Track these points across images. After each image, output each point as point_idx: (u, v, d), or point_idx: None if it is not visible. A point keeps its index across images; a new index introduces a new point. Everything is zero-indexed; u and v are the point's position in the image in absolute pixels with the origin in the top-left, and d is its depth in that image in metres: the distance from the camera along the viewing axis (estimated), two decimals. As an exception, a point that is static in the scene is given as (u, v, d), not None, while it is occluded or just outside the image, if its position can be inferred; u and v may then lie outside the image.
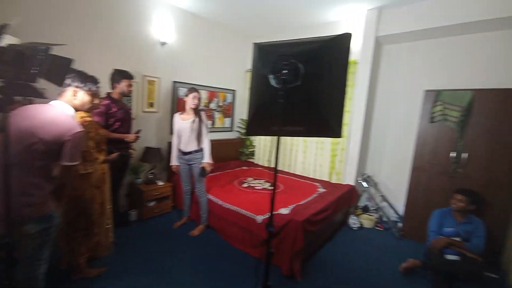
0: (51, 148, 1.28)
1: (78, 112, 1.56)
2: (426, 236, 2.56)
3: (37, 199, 1.29)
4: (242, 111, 4.84)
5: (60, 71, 1.24)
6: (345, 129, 3.54)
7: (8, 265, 1.19)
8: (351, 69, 3.48)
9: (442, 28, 2.85)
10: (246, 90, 4.81)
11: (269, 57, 1.07)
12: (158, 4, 3.25)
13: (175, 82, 3.61)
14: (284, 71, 0.98)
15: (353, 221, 3.21)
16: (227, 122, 4.59)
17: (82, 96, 1.47)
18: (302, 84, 1.02)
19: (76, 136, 1.32)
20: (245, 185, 3.22)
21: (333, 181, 3.64)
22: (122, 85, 2.54)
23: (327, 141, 3.74)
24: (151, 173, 3.20)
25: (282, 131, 1.11)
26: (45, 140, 1.26)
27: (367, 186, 3.51)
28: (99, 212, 1.91)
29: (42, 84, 1.22)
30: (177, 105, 3.68)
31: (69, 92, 1.43)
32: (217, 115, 4.39)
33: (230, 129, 4.69)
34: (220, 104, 4.40)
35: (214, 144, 3.85)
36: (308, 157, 3.97)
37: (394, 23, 3.09)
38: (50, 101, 1.38)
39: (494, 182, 2.52)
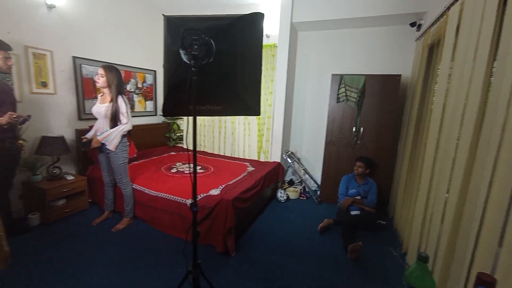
0: None
1: None
2: (337, 198, 3.06)
3: None
4: (166, 93, 4.50)
5: None
6: (270, 110, 3.75)
7: None
8: (272, 52, 3.64)
9: (342, 21, 3.26)
10: (170, 70, 4.47)
11: (179, 31, 1.00)
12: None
13: (75, 57, 3.02)
14: (195, 47, 0.94)
15: (281, 195, 3.52)
16: (149, 105, 4.20)
17: None
18: (214, 61, 1.01)
19: None
20: (173, 170, 3.08)
21: (261, 159, 3.87)
22: None
23: (254, 121, 3.90)
24: (54, 167, 2.68)
25: (199, 110, 1.09)
26: None
27: (291, 161, 3.88)
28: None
29: None
30: (83, 86, 3.12)
31: None
32: (137, 98, 3.96)
33: (154, 113, 4.32)
34: (139, 86, 3.97)
35: (136, 130, 3.50)
36: (237, 139, 4.07)
37: (305, 11, 3.35)
38: None
39: (381, 149, 3.17)
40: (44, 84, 2.75)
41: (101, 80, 2.29)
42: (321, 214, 3.10)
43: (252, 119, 3.97)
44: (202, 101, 1.07)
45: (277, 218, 3.00)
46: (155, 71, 4.22)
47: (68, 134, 2.99)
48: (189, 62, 0.96)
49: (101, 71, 2.28)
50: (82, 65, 3.09)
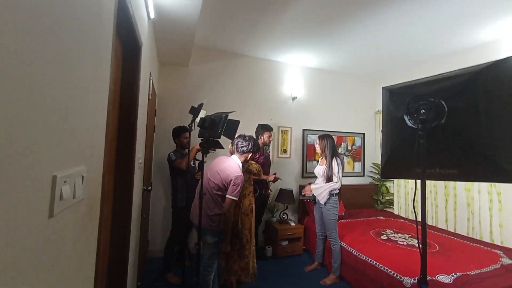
0: (224, 184, 1.84)
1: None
2: None
3: (213, 216, 1.84)
4: (373, 154, 4.49)
5: (232, 129, 1.78)
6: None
7: (197, 266, 1.70)
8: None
9: None
10: (377, 132, 4.50)
11: (402, 99, 1.06)
12: (290, 67, 3.95)
13: (304, 129, 3.99)
14: (423, 111, 0.94)
15: None
16: (357, 166, 4.37)
17: (250, 157, 2.13)
18: (447, 122, 0.93)
19: (235, 179, 1.88)
20: (383, 237, 2.82)
21: (531, 251, 2.48)
22: (265, 137, 3.12)
23: (510, 191, 2.71)
24: (284, 213, 3.49)
25: (429, 174, 1.00)
26: (221, 179, 1.85)
27: None
28: (248, 237, 2.29)
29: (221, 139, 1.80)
30: (307, 150, 3.98)
31: (245, 154, 2.08)
32: (346, 160, 4.30)
33: (362, 174, 4.40)
34: (349, 148, 4.33)
35: (344, 189, 3.72)
36: (476, 213, 2.98)
37: None
38: (232, 156, 2.12)
39: None
40: (285, 151, 3.86)
41: (317, 147, 2.85)
42: None
43: (507, 187, 2.78)
44: (431, 164, 0.99)
45: None
46: (363, 134, 4.45)
47: (294, 188, 3.83)
48: (415, 127, 0.97)
49: (317, 140, 2.86)
50: (308, 134, 4.01)
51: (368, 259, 2.35)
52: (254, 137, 3.07)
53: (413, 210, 3.69)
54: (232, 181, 1.87)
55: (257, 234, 3.30)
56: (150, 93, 2.33)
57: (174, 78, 3.36)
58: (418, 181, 0.96)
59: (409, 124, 1.00)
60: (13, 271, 0.38)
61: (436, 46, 3.20)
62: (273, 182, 3.02)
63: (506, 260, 2.21)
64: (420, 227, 0.92)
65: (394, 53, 3.45)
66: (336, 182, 2.66)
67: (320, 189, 2.72)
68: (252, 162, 2.40)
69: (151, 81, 2.31)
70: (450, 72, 1.05)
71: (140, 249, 2.18)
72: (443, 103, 0.93)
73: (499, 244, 2.67)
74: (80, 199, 0.60)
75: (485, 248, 2.54)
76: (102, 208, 0.85)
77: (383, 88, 1.32)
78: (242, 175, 1.93)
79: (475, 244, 2.65)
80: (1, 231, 0.35)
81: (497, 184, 2.75)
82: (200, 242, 1.76)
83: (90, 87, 0.69)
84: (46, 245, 0.47)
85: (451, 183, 3.22)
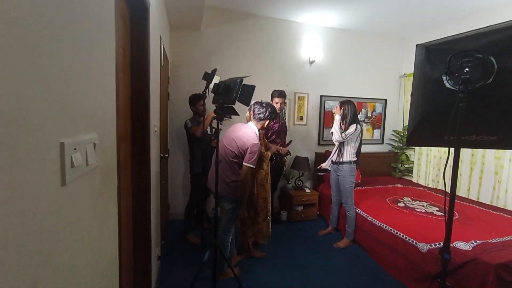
0: (240, 152, 1.89)
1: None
2: None
3: (231, 183, 1.87)
4: (394, 122, 4.27)
5: (247, 95, 1.70)
6: None
7: (215, 229, 1.78)
8: None
9: None
10: (401, 98, 4.21)
11: (441, 57, 0.93)
12: (308, 28, 3.63)
13: (322, 96, 3.80)
14: (466, 70, 0.82)
15: None
16: (376, 134, 4.20)
17: (266, 124, 2.08)
18: (494, 82, 0.81)
19: (252, 146, 1.87)
20: (400, 204, 2.79)
21: (560, 221, 2.37)
22: (273, 103, 2.99)
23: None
24: (299, 180, 3.51)
25: (464, 141, 0.91)
26: (237, 146, 1.89)
27: None
28: (263, 206, 2.35)
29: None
30: (324, 117, 3.84)
31: (262, 121, 2.04)
32: (365, 127, 4.13)
33: (381, 142, 4.25)
34: (369, 115, 4.12)
35: (362, 157, 3.63)
36: (504, 182, 2.83)
37: None
38: (249, 122, 2.09)
39: None
40: (301, 118, 3.74)
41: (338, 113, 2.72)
42: None
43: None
44: (467, 130, 0.90)
45: None
46: (385, 99, 4.19)
47: (310, 156, 3.79)
48: (455, 88, 0.85)
49: (337, 105, 2.73)
50: (326, 101, 3.82)
51: (383, 226, 2.36)
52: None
53: (434, 178, 3.59)
54: (248, 149, 1.87)
55: (273, 200, 3.38)
56: (162, 58, 2.25)
57: (186, 43, 3.21)
58: (452, 149, 0.88)
59: (448, 85, 0.89)
60: (32, 235, 0.38)
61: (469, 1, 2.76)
62: (284, 155, 2.95)
63: (531, 230, 2.14)
64: (448, 198, 0.87)
65: (426, 8, 3.03)
66: (338, 136, 2.64)
67: (335, 126, 2.73)
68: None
69: (162, 45, 2.21)
70: (503, 23, 0.89)
71: (161, 212, 2.31)
72: (493, 59, 0.79)
73: (525, 214, 2.57)
74: (94, 166, 0.59)
75: (509, 216, 2.45)
76: (119, 174, 0.86)
77: (417, 45, 1.16)
78: (259, 142, 1.91)
79: (498, 213, 2.57)
80: (12, 199, 0.34)
81: (532, 152, 2.56)
82: (217, 208, 1.83)
83: (94, 49, 0.64)
84: (62, 211, 0.48)
85: (480, 151, 3.03)
